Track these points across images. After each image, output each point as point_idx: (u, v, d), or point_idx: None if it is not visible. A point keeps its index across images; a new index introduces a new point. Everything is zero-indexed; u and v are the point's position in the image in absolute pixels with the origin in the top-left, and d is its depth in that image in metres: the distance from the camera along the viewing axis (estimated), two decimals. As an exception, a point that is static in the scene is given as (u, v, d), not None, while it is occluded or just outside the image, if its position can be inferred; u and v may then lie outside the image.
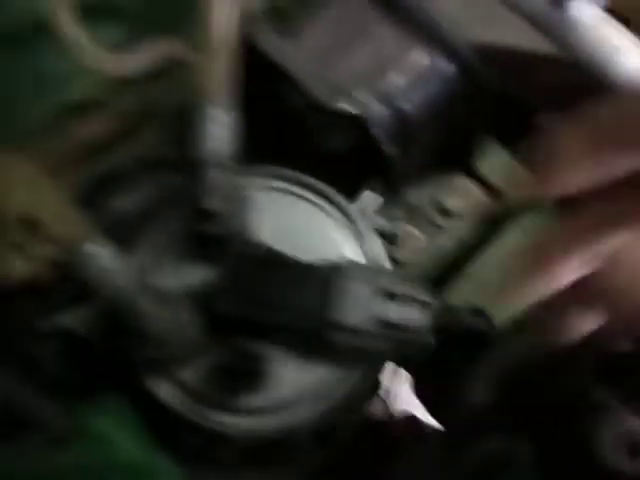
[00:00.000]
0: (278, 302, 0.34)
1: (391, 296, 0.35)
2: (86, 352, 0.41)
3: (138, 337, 0.32)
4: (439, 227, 0.63)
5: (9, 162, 0.34)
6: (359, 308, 0.34)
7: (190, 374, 0.38)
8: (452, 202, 0.62)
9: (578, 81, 0.55)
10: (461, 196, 0.62)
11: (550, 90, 0.56)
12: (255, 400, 0.38)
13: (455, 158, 0.60)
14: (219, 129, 0.33)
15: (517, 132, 0.61)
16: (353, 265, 0.37)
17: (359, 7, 0.47)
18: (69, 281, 0.52)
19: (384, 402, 0.99)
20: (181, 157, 0.57)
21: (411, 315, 0.34)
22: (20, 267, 0.46)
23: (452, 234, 0.63)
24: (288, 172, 0.42)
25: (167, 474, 0.32)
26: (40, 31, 0.53)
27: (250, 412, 0.38)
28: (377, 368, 0.40)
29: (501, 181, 0.62)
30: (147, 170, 0.53)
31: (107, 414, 0.34)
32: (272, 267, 0.35)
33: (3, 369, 0.36)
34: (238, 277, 0.34)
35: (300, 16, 0.48)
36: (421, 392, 0.88)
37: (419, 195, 0.61)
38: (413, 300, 0.34)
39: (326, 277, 0.34)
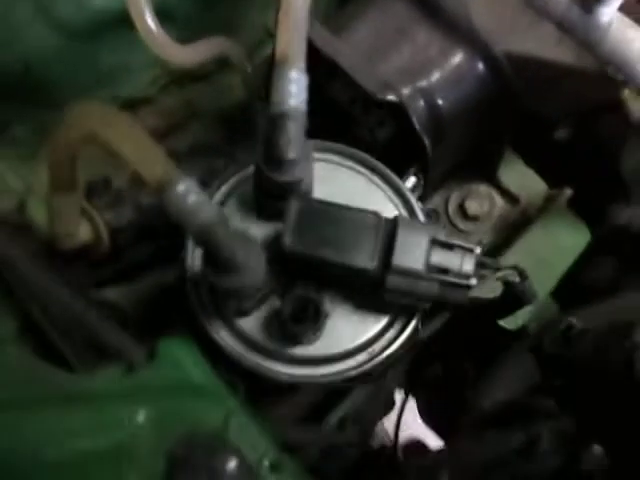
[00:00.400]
0: (343, 243, 0.37)
1: (442, 245, 0.38)
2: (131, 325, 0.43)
3: (221, 267, 0.34)
4: (461, 231, 0.67)
5: (108, 111, 0.37)
6: (416, 254, 0.37)
7: (250, 324, 0.41)
8: (475, 207, 0.66)
9: (598, 96, 0.60)
10: (483, 202, 0.66)
11: (570, 104, 0.61)
12: (309, 351, 0.41)
13: (479, 165, 0.65)
14: (297, 88, 0.37)
15: (535, 144, 0.66)
16: (410, 220, 0.41)
17: (402, 9, 0.52)
18: (121, 255, 0.54)
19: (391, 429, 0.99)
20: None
21: (459, 262, 0.37)
22: (84, 230, 0.48)
23: (473, 238, 0.66)
24: (343, 147, 0.45)
25: (226, 396, 0.34)
26: (104, 29, 0.58)
27: (303, 362, 0.41)
28: (417, 329, 0.42)
29: (521, 190, 0.66)
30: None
31: (178, 345, 0.37)
32: (338, 212, 0.38)
33: (87, 308, 0.38)
34: (306, 218, 0.37)
35: (348, 15, 0.54)
36: (429, 412, 0.89)
37: (444, 199, 0.66)
38: (462, 249, 0.37)
39: (389, 226, 0.38)
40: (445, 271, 0.37)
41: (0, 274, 0.41)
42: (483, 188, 0.66)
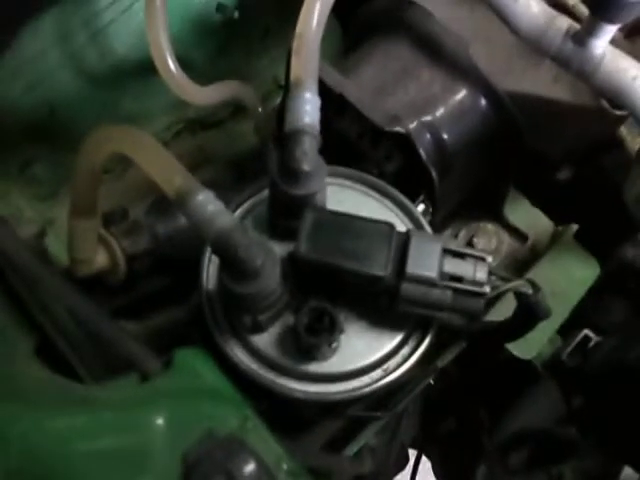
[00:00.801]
0: (357, 251, 0.37)
1: (455, 254, 0.38)
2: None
3: (238, 273, 0.35)
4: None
5: (127, 130, 0.39)
6: (430, 262, 0.37)
7: (264, 340, 0.40)
8: (483, 244, 0.67)
9: (597, 131, 0.62)
10: (491, 239, 0.67)
11: (571, 141, 0.63)
12: (323, 367, 0.40)
13: (486, 203, 0.66)
14: (311, 108, 0.39)
15: (539, 182, 0.68)
16: (423, 231, 0.42)
17: (406, 51, 0.56)
18: (134, 286, 0.55)
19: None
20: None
21: (472, 270, 0.38)
22: (101, 256, 0.49)
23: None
24: (354, 172, 0.47)
25: (243, 402, 0.34)
26: (126, 77, 0.62)
27: (317, 379, 0.40)
28: (432, 342, 0.42)
29: (528, 227, 0.67)
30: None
31: (193, 355, 0.37)
32: (351, 222, 0.39)
33: (107, 321, 0.38)
34: (321, 227, 0.38)
35: (355, 59, 0.57)
36: (443, 470, 0.86)
37: (452, 236, 0.67)
38: (474, 258, 0.38)
39: (403, 236, 0.38)
40: (459, 279, 0.38)
41: (18, 294, 0.41)
42: (490, 226, 0.67)
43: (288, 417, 0.44)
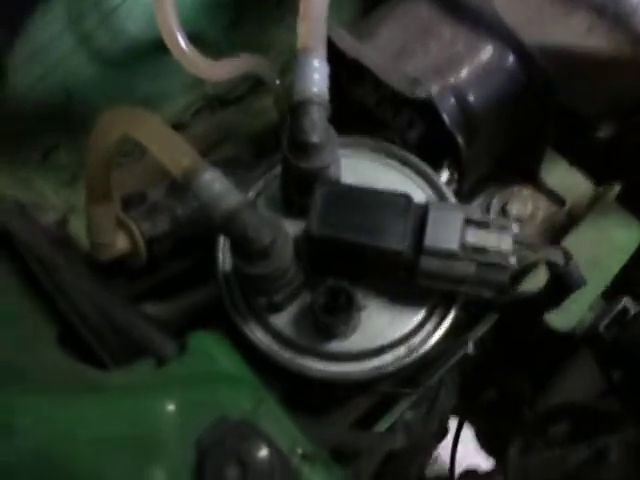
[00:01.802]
0: (372, 226, 0.36)
1: (478, 224, 0.36)
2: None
3: (249, 253, 0.34)
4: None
5: (134, 112, 0.38)
6: (450, 234, 0.35)
7: (283, 320, 0.40)
8: (517, 210, 0.64)
9: (638, 84, 0.57)
10: (527, 204, 0.64)
11: (610, 96, 0.59)
12: (344, 346, 0.39)
13: (520, 167, 0.63)
14: (319, 76, 0.37)
15: (578, 141, 0.64)
16: (443, 202, 0.40)
17: (425, 9, 0.52)
18: (157, 268, 0.55)
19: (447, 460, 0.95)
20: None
21: (496, 240, 0.35)
22: (121, 240, 0.49)
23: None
24: (373, 141, 0.45)
25: (257, 385, 0.33)
26: (139, 57, 0.61)
27: (338, 357, 0.39)
28: (457, 317, 0.40)
29: (566, 190, 0.63)
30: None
31: (208, 338, 0.36)
32: (365, 195, 0.37)
33: (123, 306, 0.38)
34: (333, 202, 0.36)
35: (372, 22, 0.54)
36: (486, 437, 0.84)
37: (486, 203, 0.64)
38: (499, 228, 0.36)
39: (420, 208, 0.36)
40: (482, 250, 0.36)
41: (40, 282, 0.41)
42: (526, 190, 0.63)
43: (314, 396, 0.43)
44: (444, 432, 0.77)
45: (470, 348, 0.61)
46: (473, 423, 0.85)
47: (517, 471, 0.56)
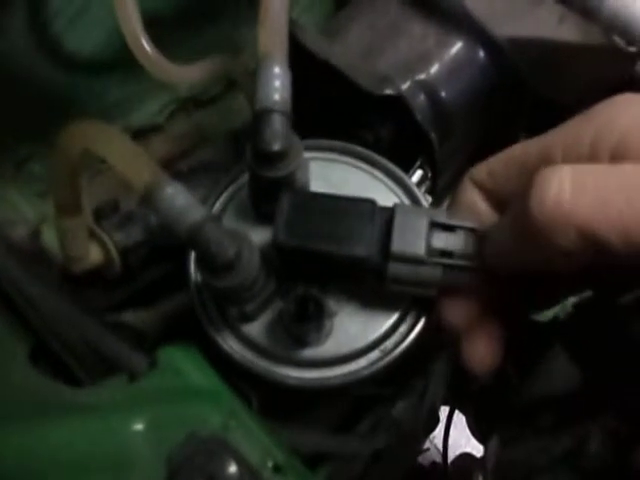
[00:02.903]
0: (338, 233, 0.35)
1: (443, 227, 0.36)
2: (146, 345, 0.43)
3: (214, 267, 0.34)
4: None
5: (97, 126, 0.38)
6: (416, 238, 0.35)
7: (256, 329, 0.40)
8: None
9: (611, 73, 0.57)
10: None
11: (584, 85, 0.59)
12: (318, 352, 0.39)
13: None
14: (281, 83, 0.36)
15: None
16: (409, 205, 0.39)
17: (394, 5, 0.52)
18: (133, 277, 0.55)
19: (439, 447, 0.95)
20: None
21: (462, 243, 0.35)
22: (94, 252, 0.49)
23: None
24: (340, 143, 0.45)
25: (228, 398, 0.33)
26: (111, 63, 0.60)
27: (313, 364, 0.39)
28: (432, 322, 0.40)
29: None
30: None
31: (178, 352, 0.36)
32: (331, 203, 0.37)
33: (91, 321, 0.38)
34: (298, 211, 0.36)
35: (341, 20, 0.53)
36: (477, 425, 0.85)
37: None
38: (465, 230, 0.36)
39: (387, 213, 0.36)
40: (449, 254, 0.35)
41: (11, 298, 0.41)
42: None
43: (291, 402, 0.43)
44: (435, 422, 0.78)
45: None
46: (464, 411, 0.85)
47: (503, 463, 0.57)
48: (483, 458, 0.68)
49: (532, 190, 0.28)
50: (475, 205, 0.37)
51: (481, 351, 0.38)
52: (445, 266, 0.35)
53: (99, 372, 0.37)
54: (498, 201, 0.37)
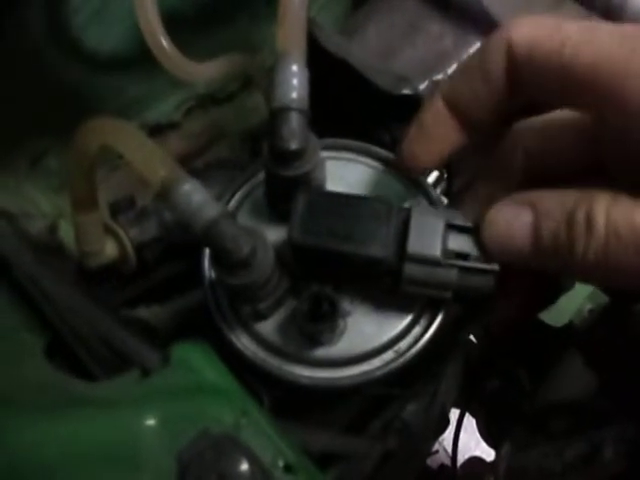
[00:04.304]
0: (354, 233, 0.35)
1: (460, 229, 0.36)
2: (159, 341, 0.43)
3: (229, 264, 0.34)
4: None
5: (114, 122, 0.38)
6: (432, 240, 0.35)
7: (269, 327, 0.39)
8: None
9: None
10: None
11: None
12: (331, 352, 0.39)
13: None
14: (299, 82, 0.36)
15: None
16: (425, 206, 0.39)
17: (412, 4, 0.51)
18: (148, 273, 0.55)
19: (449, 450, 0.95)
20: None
21: (478, 245, 0.35)
22: (109, 247, 0.49)
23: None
24: (356, 143, 0.44)
25: (241, 396, 0.33)
26: (129, 60, 0.60)
27: (326, 364, 0.39)
28: (447, 322, 0.40)
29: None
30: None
31: (192, 349, 0.36)
32: (347, 202, 0.36)
33: (105, 316, 0.38)
34: (314, 210, 0.36)
35: (359, 19, 0.53)
36: (488, 430, 0.84)
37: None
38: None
39: (403, 214, 0.36)
40: (465, 256, 0.35)
41: (27, 292, 0.42)
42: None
43: (303, 401, 0.43)
44: (445, 424, 0.77)
45: (470, 341, 0.61)
46: (474, 415, 0.85)
47: (515, 469, 0.56)
48: (493, 462, 0.68)
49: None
50: (442, 118, 0.37)
51: None
52: (460, 268, 0.35)
53: (113, 367, 0.38)
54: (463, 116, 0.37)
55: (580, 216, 0.32)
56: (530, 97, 0.35)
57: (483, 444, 0.84)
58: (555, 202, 0.33)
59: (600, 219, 0.31)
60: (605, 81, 0.30)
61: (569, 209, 0.32)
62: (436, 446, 1.11)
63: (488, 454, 0.89)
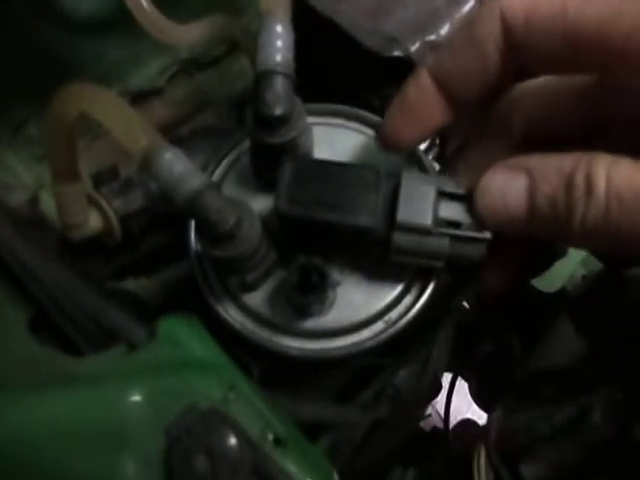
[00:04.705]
0: (342, 202, 0.34)
1: (451, 197, 0.35)
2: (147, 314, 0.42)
3: (214, 236, 0.33)
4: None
5: (93, 89, 0.36)
6: (423, 208, 0.34)
7: (257, 299, 0.39)
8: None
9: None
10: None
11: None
12: (320, 323, 0.38)
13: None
14: (284, 43, 0.35)
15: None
16: (416, 172, 0.38)
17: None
18: (134, 245, 0.54)
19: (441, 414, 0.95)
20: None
21: (470, 214, 0.34)
22: (93, 219, 0.48)
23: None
24: (346, 108, 0.43)
25: (229, 369, 0.33)
26: (110, 23, 0.58)
27: (315, 335, 0.39)
28: (438, 291, 0.40)
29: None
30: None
31: (179, 323, 0.35)
32: (335, 170, 0.35)
33: (90, 291, 0.37)
34: (301, 179, 0.35)
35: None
36: (480, 394, 0.85)
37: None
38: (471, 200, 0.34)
39: (393, 181, 0.35)
40: (456, 225, 0.34)
41: (9, 265, 0.40)
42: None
43: (293, 372, 0.43)
44: (437, 389, 0.78)
45: (462, 307, 0.61)
46: (466, 379, 0.85)
47: (504, 432, 0.57)
48: (485, 426, 0.68)
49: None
50: (427, 94, 0.36)
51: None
52: (452, 237, 0.34)
53: (99, 342, 0.37)
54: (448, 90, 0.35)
55: (579, 179, 0.30)
56: (525, 67, 0.34)
57: (475, 407, 0.85)
58: (552, 165, 0.32)
59: (601, 182, 0.29)
60: (614, 38, 0.29)
61: (567, 172, 0.31)
62: (429, 409, 1.13)
63: (480, 417, 0.90)
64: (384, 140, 0.37)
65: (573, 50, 0.31)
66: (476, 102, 0.35)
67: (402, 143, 0.37)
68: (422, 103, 0.35)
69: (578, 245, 0.38)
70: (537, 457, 0.52)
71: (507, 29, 0.32)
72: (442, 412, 1.00)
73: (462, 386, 0.84)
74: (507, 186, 0.33)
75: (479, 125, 0.38)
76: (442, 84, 0.35)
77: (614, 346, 0.47)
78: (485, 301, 0.50)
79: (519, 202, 0.32)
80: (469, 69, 0.34)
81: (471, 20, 0.34)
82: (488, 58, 0.33)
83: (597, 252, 0.44)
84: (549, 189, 0.31)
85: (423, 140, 0.37)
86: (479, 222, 0.34)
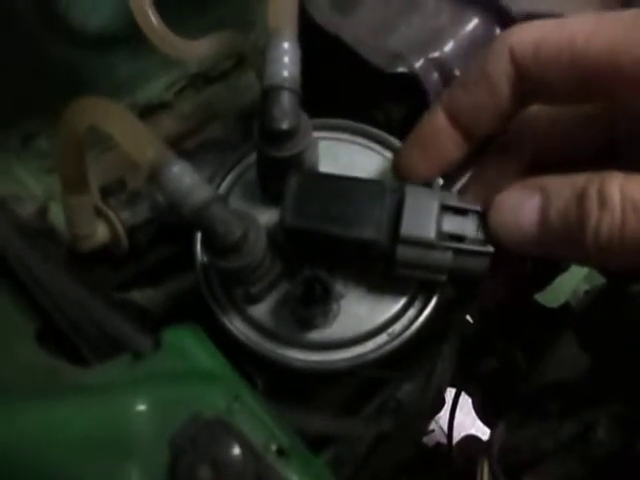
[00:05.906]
0: (347, 216, 0.35)
1: (455, 211, 0.35)
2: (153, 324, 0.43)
3: (220, 248, 0.33)
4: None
5: (102, 103, 0.37)
6: (426, 222, 0.34)
7: (262, 310, 0.39)
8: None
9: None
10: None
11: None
12: (324, 335, 0.39)
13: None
14: (290, 60, 0.35)
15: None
16: (419, 187, 0.39)
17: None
18: (140, 256, 0.55)
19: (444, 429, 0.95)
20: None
21: (474, 227, 0.34)
22: (101, 230, 0.49)
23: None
24: (352, 123, 0.44)
25: (234, 380, 0.33)
26: (119, 38, 0.59)
27: (319, 347, 0.39)
28: (441, 304, 0.40)
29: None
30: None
31: (184, 333, 0.36)
32: (340, 184, 0.36)
33: (96, 301, 0.38)
34: (306, 193, 0.35)
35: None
36: (484, 409, 0.85)
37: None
38: (477, 214, 0.35)
39: (397, 195, 0.35)
40: (459, 238, 0.35)
41: (18, 276, 0.41)
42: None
43: (297, 383, 0.43)
44: (441, 403, 0.78)
45: (466, 321, 0.61)
46: (470, 394, 0.85)
47: (508, 447, 0.57)
48: (488, 441, 0.68)
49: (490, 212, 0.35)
50: (442, 131, 0.36)
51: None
52: (455, 250, 0.35)
53: (106, 352, 0.37)
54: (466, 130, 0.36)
55: (592, 192, 0.30)
56: (536, 97, 0.34)
57: (479, 423, 0.84)
58: (565, 183, 0.32)
59: (615, 194, 0.29)
60: (624, 64, 0.30)
61: (580, 186, 0.31)
62: (432, 425, 1.12)
63: (483, 432, 0.89)
64: (401, 174, 0.38)
65: (583, 79, 0.31)
66: (489, 134, 0.36)
67: (418, 177, 0.37)
68: (437, 139, 0.36)
69: (591, 261, 0.37)
70: (541, 472, 0.52)
71: (517, 63, 0.33)
72: (446, 428, 0.99)
73: (466, 402, 0.84)
74: (521, 203, 0.33)
75: (492, 145, 0.38)
76: (456, 120, 0.35)
77: (618, 361, 0.47)
78: (490, 309, 0.51)
79: (532, 218, 0.33)
80: (482, 104, 0.34)
81: (482, 55, 0.34)
82: (500, 93, 0.34)
83: (608, 268, 0.44)
84: (561, 203, 0.32)
85: (439, 174, 0.38)
86: (492, 239, 0.34)
